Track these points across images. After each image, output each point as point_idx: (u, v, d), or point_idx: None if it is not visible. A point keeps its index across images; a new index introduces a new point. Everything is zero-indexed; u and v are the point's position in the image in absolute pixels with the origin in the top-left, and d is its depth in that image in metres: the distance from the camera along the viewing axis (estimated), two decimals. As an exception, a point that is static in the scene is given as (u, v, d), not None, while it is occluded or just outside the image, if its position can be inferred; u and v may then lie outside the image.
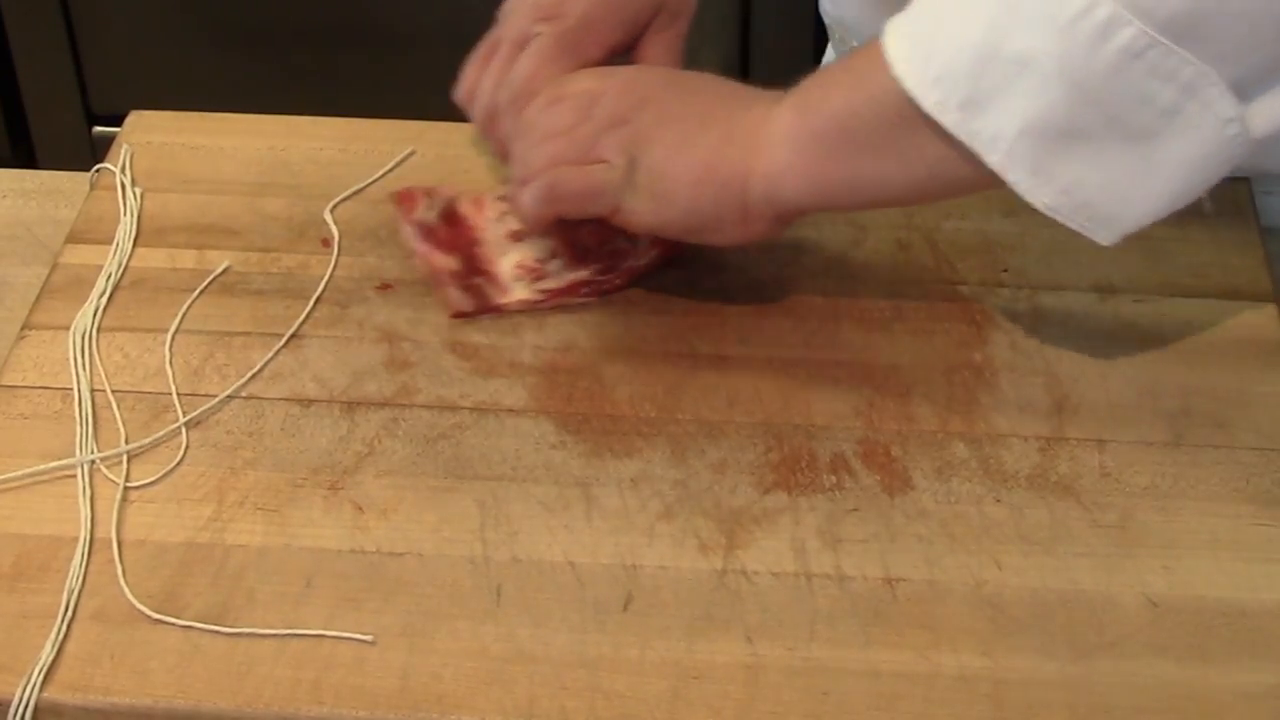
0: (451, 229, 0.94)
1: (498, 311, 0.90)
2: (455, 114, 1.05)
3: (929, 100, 0.78)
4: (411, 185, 0.96)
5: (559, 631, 0.75)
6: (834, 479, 0.82)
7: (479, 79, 0.95)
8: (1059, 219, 0.79)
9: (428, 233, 0.93)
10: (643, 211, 0.86)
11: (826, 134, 0.83)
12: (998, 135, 0.77)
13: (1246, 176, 0.97)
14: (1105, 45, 0.74)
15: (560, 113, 0.89)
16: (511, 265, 0.92)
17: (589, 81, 0.90)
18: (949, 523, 0.80)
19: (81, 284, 0.91)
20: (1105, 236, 0.79)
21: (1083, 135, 0.76)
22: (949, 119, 0.77)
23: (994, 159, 0.77)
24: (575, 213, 0.88)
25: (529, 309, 0.90)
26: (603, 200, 0.87)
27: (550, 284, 0.91)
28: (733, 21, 1.88)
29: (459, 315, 0.90)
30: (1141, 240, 0.94)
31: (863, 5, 1.08)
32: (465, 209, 0.95)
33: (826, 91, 0.83)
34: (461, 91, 0.96)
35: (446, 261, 0.92)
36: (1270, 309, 0.90)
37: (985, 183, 0.79)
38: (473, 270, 0.92)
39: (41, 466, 0.82)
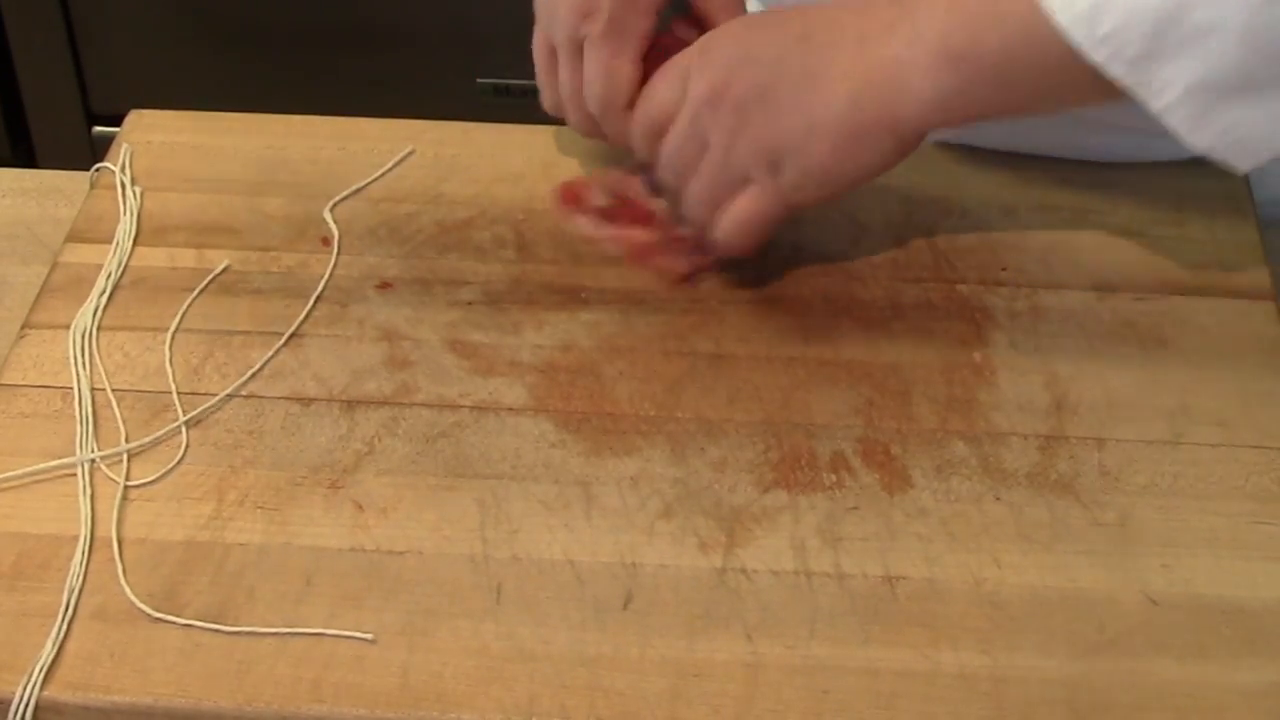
0: (628, 206, 0.94)
1: (712, 267, 0.92)
2: (454, 113, 1.06)
3: (1097, 55, 0.78)
4: (568, 181, 0.96)
5: (559, 630, 0.75)
6: (834, 477, 0.82)
7: (557, 91, 0.95)
8: (1210, 156, 0.80)
9: (613, 215, 0.94)
10: (811, 195, 0.87)
11: (978, 80, 0.82)
12: (1165, 87, 0.78)
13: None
14: None
15: (676, 150, 0.89)
16: None
17: (666, 94, 0.89)
18: (948, 521, 0.80)
19: (81, 283, 0.91)
20: (1245, 164, 0.81)
21: (1250, 87, 0.78)
22: (1116, 70, 0.79)
23: (1157, 105, 0.79)
24: (754, 246, 0.90)
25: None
26: (769, 220, 0.88)
27: None
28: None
29: (683, 279, 0.92)
30: (1141, 239, 0.94)
31: None
32: (628, 189, 0.95)
33: (975, 37, 0.82)
34: (547, 104, 0.97)
35: (647, 234, 0.93)
36: (1270, 308, 0.90)
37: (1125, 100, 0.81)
38: (670, 233, 0.93)
39: (42, 465, 0.82)
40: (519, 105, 1.79)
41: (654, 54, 0.91)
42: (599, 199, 0.95)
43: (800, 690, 0.73)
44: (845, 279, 0.92)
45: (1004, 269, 0.93)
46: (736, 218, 0.88)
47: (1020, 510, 0.80)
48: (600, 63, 0.92)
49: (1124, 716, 0.73)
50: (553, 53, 0.95)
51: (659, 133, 0.90)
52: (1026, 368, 0.87)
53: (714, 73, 0.87)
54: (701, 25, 0.93)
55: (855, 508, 0.81)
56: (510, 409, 0.85)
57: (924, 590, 0.77)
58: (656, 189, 0.94)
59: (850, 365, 0.88)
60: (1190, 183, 0.97)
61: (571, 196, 0.95)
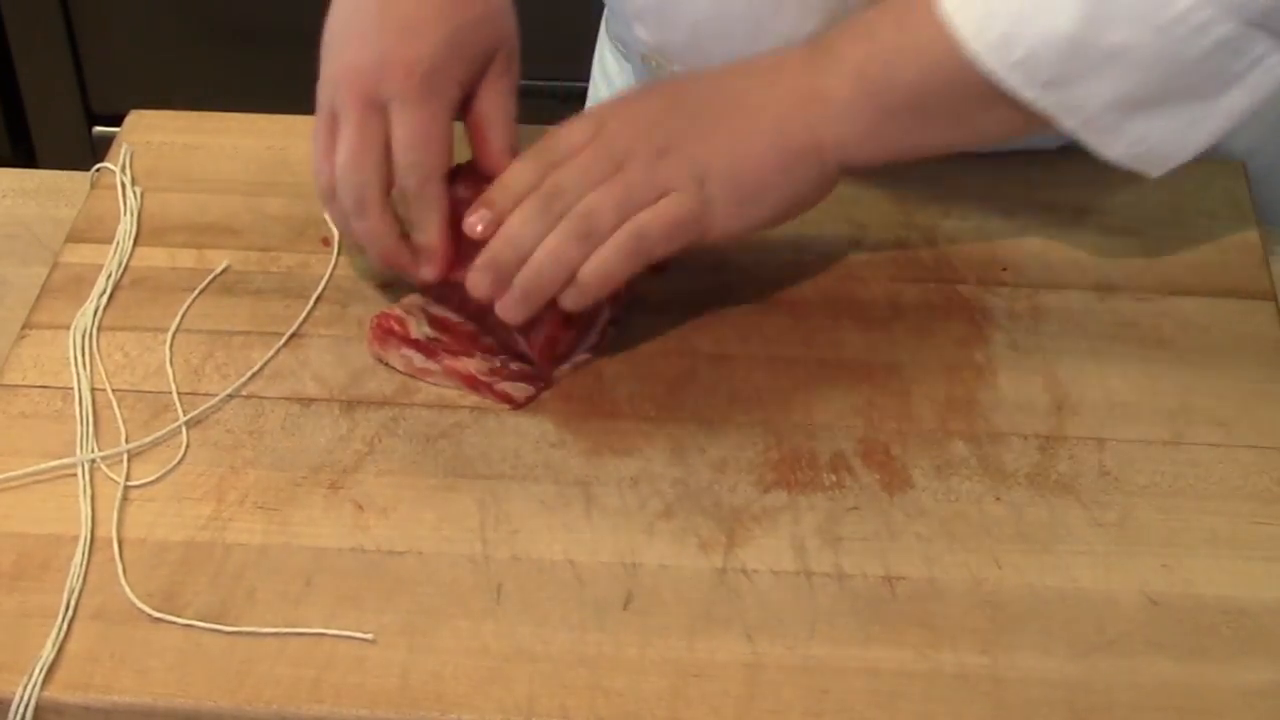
0: (451, 332, 0.87)
1: (553, 384, 0.86)
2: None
3: (1011, 81, 0.81)
4: (382, 313, 0.87)
5: (559, 630, 0.75)
6: (834, 477, 0.82)
7: (333, 173, 0.85)
8: (1118, 164, 0.84)
9: (436, 347, 0.86)
10: (730, 220, 0.84)
11: (897, 109, 0.84)
12: (1079, 107, 0.81)
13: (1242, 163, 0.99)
14: (1202, 40, 0.79)
15: (592, 163, 0.83)
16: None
17: (582, 130, 0.84)
18: (948, 521, 0.80)
19: (81, 283, 0.91)
20: (1156, 171, 0.84)
21: (1160, 101, 0.81)
22: (1030, 94, 0.81)
23: (1070, 124, 0.82)
24: (663, 253, 0.83)
25: (579, 365, 0.87)
26: (690, 229, 0.83)
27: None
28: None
29: (526, 403, 0.85)
30: (1141, 239, 0.94)
31: (694, 31, 0.98)
32: (440, 312, 0.89)
33: (891, 67, 0.83)
34: (323, 183, 0.86)
35: (476, 363, 0.86)
36: (1270, 308, 0.90)
37: (1042, 127, 0.83)
38: (506, 352, 0.87)
39: (42, 465, 0.82)
40: (519, 105, 1.79)
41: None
42: (418, 330, 0.87)
43: (800, 690, 0.73)
44: (845, 279, 0.92)
45: (1004, 269, 0.93)
46: (647, 221, 0.82)
47: (1020, 510, 0.80)
48: (417, 123, 0.84)
49: (1124, 716, 0.73)
50: (333, 129, 0.85)
51: (554, 163, 0.83)
52: (1026, 368, 0.87)
53: (638, 111, 0.85)
54: (483, 181, 0.86)
55: (855, 508, 0.81)
56: (510, 410, 0.85)
57: (924, 590, 0.77)
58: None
59: (850, 365, 0.87)
60: (1190, 183, 0.97)
61: (385, 330, 0.87)
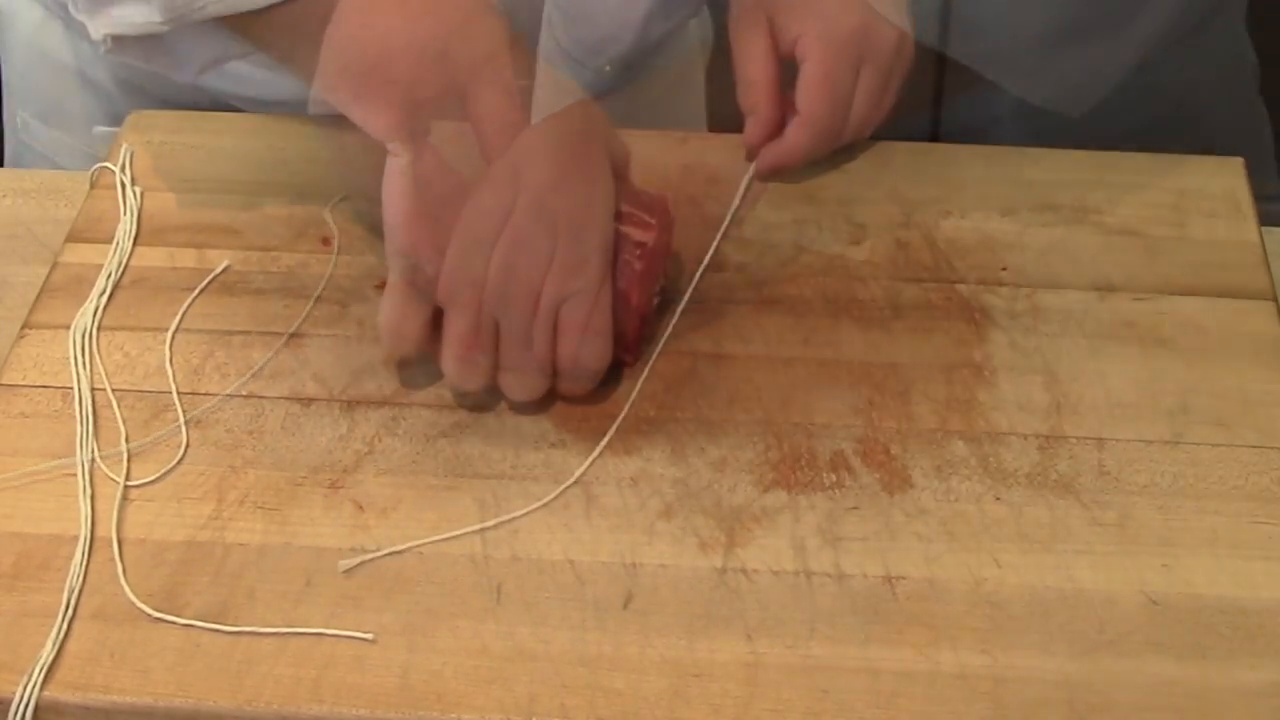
0: None
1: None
2: (455, 113, 1.05)
3: None
4: None
5: (559, 630, 0.75)
6: (834, 477, 0.82)
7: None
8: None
9: None
10: None
11: None
12: None
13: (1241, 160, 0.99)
14: None
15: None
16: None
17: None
18: (948, 521, 0.80)
19: (81, 283, 0.91)
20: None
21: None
22: None
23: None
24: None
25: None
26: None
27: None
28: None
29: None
30: (1141, 239, 0.94)
31: None
32: None
33: None
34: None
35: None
36: (1270, 308, 0.90)
37: None
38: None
39: (41, 465, 0.82)
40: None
41: None
42: None
43: (800, 690, 0.73)
44: (845, 279, 0.92)
45: (1004, 269, 0.93)
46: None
47: (1020, 510, 0.80)
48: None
49: (1124, 716, 0.73)
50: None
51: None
52: (1026, 368, 0.87)
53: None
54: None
55: (855, 508, 0.81)
56: (510, 409, 0.85)
57: (924, 590, 0.77)
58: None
59: (850, 365, 0.87)
60: (1190, 183, 0.97)
61: None
